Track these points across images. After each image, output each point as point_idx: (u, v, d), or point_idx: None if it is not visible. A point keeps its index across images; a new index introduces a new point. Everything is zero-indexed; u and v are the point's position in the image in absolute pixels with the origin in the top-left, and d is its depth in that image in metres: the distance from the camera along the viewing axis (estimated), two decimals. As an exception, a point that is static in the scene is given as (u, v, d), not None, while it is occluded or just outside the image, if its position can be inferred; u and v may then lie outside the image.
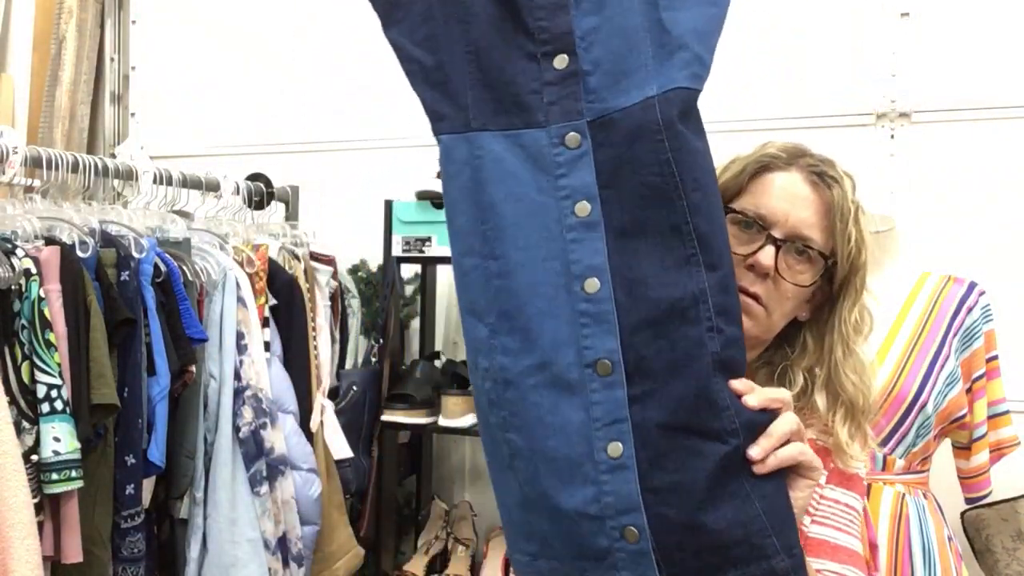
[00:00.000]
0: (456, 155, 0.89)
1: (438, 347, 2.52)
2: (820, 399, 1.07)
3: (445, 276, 2.53)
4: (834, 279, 1.06)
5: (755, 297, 1.03)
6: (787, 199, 1.05)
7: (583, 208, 0.85)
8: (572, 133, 0.86)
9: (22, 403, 1.48)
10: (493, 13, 0.88)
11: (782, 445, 0.87)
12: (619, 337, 0.84)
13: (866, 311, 1.08)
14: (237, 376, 1.83)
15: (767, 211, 1.05)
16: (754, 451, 0.85)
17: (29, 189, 1.78)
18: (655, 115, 0.84)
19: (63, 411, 1.48)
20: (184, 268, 1.79)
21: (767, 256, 1.02)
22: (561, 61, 0.86)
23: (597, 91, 0.86)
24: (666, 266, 0.84)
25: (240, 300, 1.87)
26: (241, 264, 1.94)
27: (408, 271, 2.44)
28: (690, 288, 0.84)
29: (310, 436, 2.01)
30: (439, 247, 2.22)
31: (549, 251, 0.85)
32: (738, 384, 0.86)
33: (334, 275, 2.28)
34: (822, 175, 1.05)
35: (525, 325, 0.85)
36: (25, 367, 1.49)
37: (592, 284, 0.84)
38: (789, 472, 0.88)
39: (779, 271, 1.03)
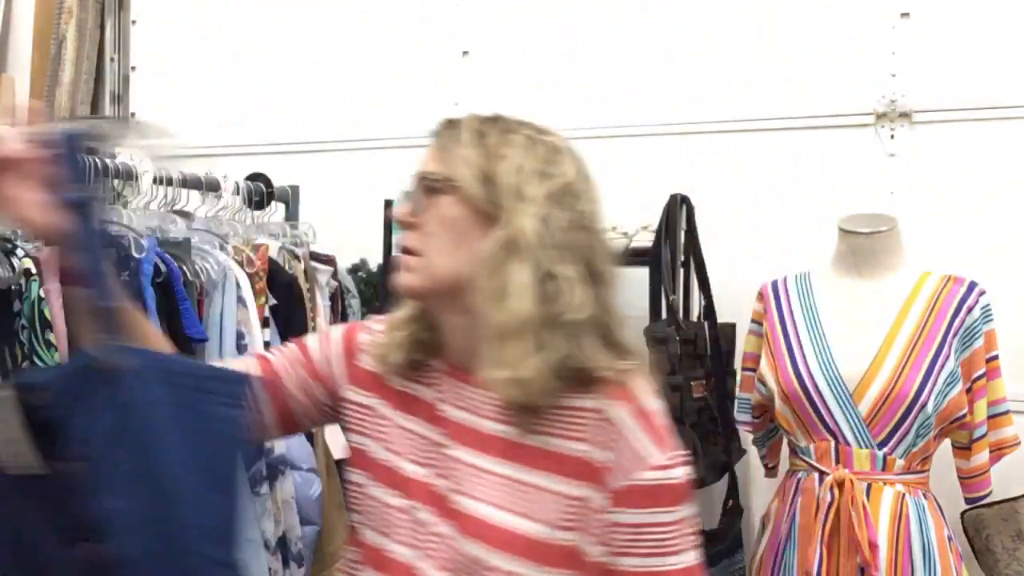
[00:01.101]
0: None
1: (438, 347, 2.52)
2: (459, 338, 1.04)
3: (445, 276, 2.53)
4: (482, 199, 0.99)
5: (407, 251, 1.02)
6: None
7: None
8: None
9: (22, 403, 1.48)
10: None
11: None
12: None
13: (524, 233, 0.96)
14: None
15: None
16: None
17: (29, 189, 1.77)
18: None
19: (63, 411, 1.48)
20: (184, 268, 1.79)
21: (398, 208, 1.04)
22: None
23: None
24: None
25: (240, 300, 1.87)
26: (241, 264, 1.94)
27: (408, 271, 2.44)
28: None
29: (310, 436, 2.01)
30: (439, 247, 2.21)
31: None
32: None
33: (334, 275, 2.28)
34: (439, 126, 1.05)
35: None
36: (25, 367, 1.49)
37: None
38: None
39: (415, 215, 1.01)
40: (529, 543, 0.96)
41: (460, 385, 1.04)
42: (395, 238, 1.06)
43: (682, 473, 0.97)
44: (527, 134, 1.02)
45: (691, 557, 0.97)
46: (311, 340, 1.19)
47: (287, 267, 2.09)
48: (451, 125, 1.04)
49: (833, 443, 1.72)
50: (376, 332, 1.14)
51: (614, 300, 1.02)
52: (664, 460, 0.95)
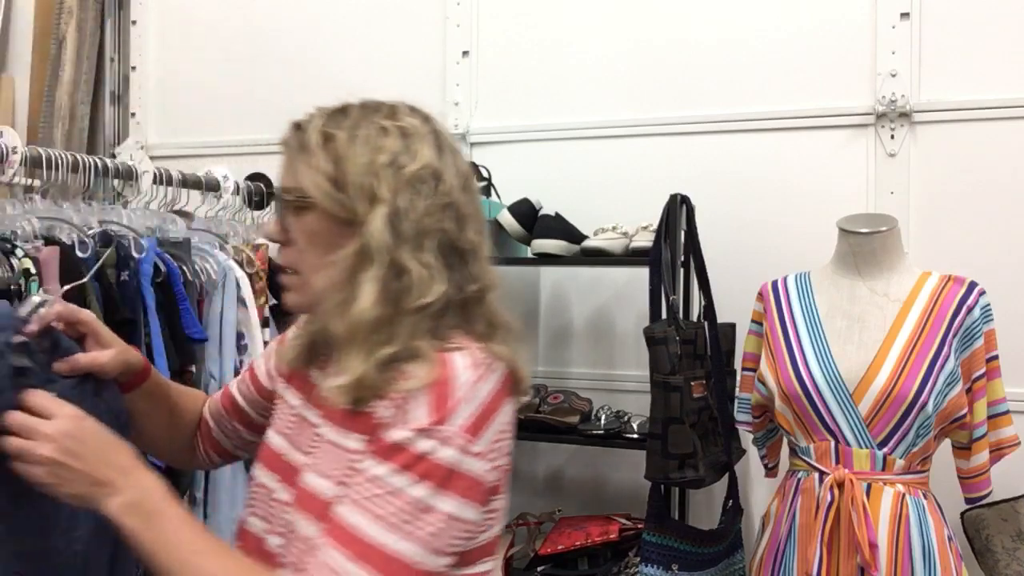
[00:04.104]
0: None
1: (438, 347, 2.52)
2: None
3: (445, 276, 2.53)
4: (337, 207, 0.97)
5: (285, 269, 1.02)
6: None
7: None
8: None
9: (22, 403, 1.48)
10: None
11: None
12: None
13: (375, 233, 0.94)
14: (237, 376, 1.83)
15: None
16: None
17: (29, 189, 1.78)
18: None
19: (63, 411, 1.48)
20: (184, 268, 1.79)
21: (268, 227, 1.04)
22: None
23: None
24: None
25: (240, 300, 1.88)
26: (241, 264, 1.94)
27: (408, 271, 2.44)
28: None
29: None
30: (439, 247, 2.21)
31: None
32: None
33: (334, 275, 2.28)
34: (288, 130, 1.03)
35: None
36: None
37: None
38: None
39: (287, 232, 1.01)
40: (316, 501, 0.95)
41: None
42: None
43: (440, 450, 0.88)
44: (378, 123, 0.98)
45: (399, 545, 0.86)
46: (259, 358, 1.25)
47: (287, 267, 2.09)
48: (298, 129, 1.01)
49: (833, 443, 1.72)
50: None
51: (483, 271, 1.00)
52: (424, 425, 0.88)
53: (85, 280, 1.57)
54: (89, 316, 1.09)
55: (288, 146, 1.01)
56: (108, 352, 1.08)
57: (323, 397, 0.99)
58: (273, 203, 1.07)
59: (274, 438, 1.08)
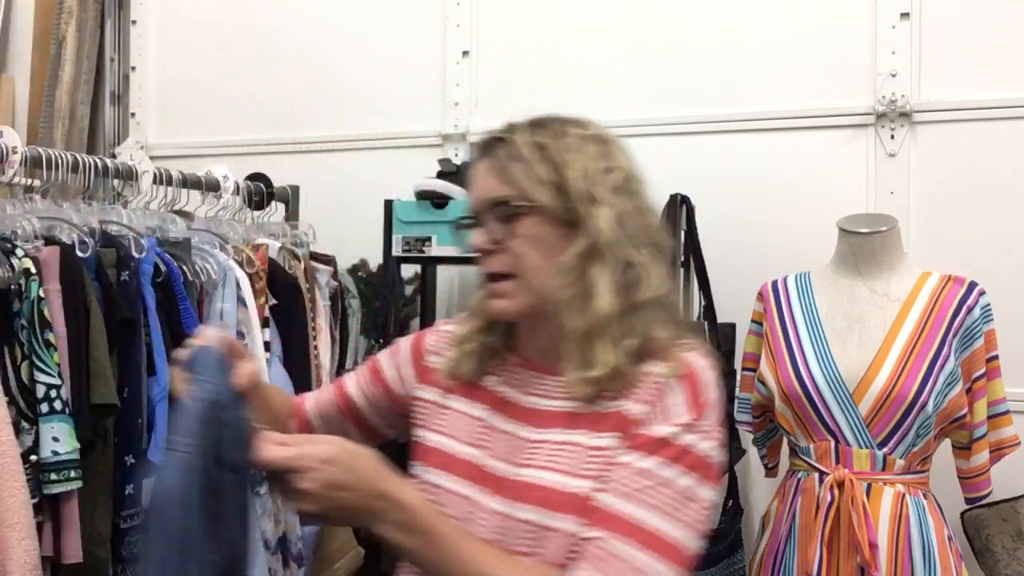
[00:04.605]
0: None
1: (438, 347, 2.52)
2: (561, 343, 1.04)
3: (445, 276, 2.53)
4: (561, 210, 1.03)
5: (500, 276, 1.05)
6: (472, 184, 1.09)
7: None
8: None
9: (21, 403, 1.48)
10: None
11: None
12: None
13: (602, 233, 1.01)
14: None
15: (469, 204, 1.10)
16: None
17: (29, 189, 1.78)
18: None
19: (62, 411, 1.48)
20: (184, 268, 1.79)
21: (476, 237, 1.06)
22: None
23: None
24: None
25: (240, 300, 1.87)
26: (241, 264, 1.94)
27: (408, 271, 2.44)
28: None
29: (310, 436, 2.00)
30: (439, 247, 2.21)
31: None
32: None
33: (334, 275, 2.28)
34: (488, 144, 1.07)
35: None
36: (24, 367, 1.49)
37: None
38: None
39: (495, 241, 1.04)
40: (566, 496, 0.99)
41: (534, 375, 1.10)
42: (478, 266, 1.09)
43: (701, 444, 0.97)
44: (576, 133, 1.05)
45: (675, 532, 0.94)
46: (383, 357, 1.27)
47: (287, 267, 2.10)
48: (503, 143, 1.06)
49: (833, 443, 1.72)
50: (443, 333, 1.21)
51: (672, 276, 1.10)
52: (685, 421, 0.97)
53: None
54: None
55: (495, 158, 1.06)
56: (252, 362, 1.05)
57: (540, 413, 1.05)
58: (465, 215, 1.08)
59: (456, 446, 1.10)
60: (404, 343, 1.25)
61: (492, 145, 1.07)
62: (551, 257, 1.02)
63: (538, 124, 1.06)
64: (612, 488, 0.96)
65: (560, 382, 1.05)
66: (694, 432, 0.97)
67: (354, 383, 1.27)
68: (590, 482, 0.98)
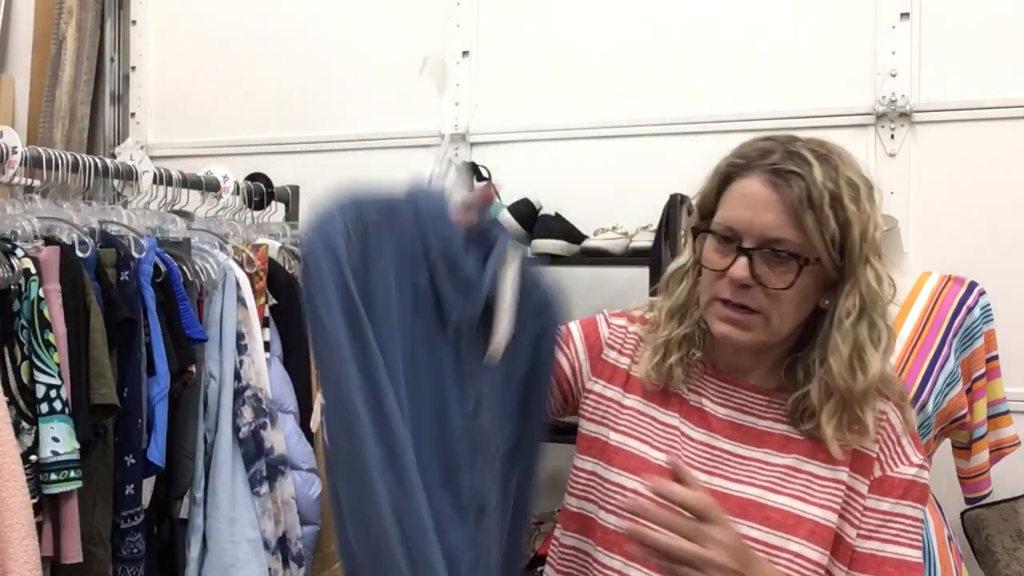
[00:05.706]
0: None
1: (438, 347, 2.52)
2: (814, 392, 1.05)
3: (445, 276, 2.53)
4: (832, 266, 1.04)
5: (745, 308, 1.04)
6: (749, 206, 1.04)
7: None
8: None
9: (21, 403, 1.48)
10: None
11: None
12: None
13: (870, 293, 1.04)
14: (237, 376, 1.83)
15: (733, 222, 1.05)
16: None
17: (29, 189, 1.78)
18: None
19: (62, 411, 1.49)
20: (184, 268, 1.79)
21: (739, 268, 1.03)
22: None
23: None
24: None
25: (240, 300, 1.87)
26: (241, 264, 1.94)
27: (408, 271, 2.44)
28: None
29: (310, 436, 2.01)
30: (439, 247, 2.21)
31: None
32: None
33: (334, 275, 2.28)
34: (780, 172, 1.02)
35: None
36: (24, 367, 1.49)
37: None
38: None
39: (758, 278, 1.02)
40: (799, 520, 1.04)
41: (727, 386, 1.13)
42: (718, 289, 1.08)
43: (928, 477, 1.09)
44: (854, 177, 1.03)
45: (917, 555, 1.06)
46: (563, 350, 1.25)
47: (287, 267, 2.10)
48: (797, 176, 1.01)
49: (833, 443, 1.71)
50: (619, 328, 1.22)
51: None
52: (919, 461, 1.08)
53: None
54: None
55: (787, 192, 1.01)
56: None
57: (744, 429, 1.10)
58: (717, 227, 1.08)
59: (650, 451, 1.11)
60: (575, 331, 1.23)
61: (786, 176, 1.01)
62: (802, 305, 1.05)
63: (823, 159, 1.02)
64: (874, 535, 1.06)
65: (758, 397, 1.10)
66: (924, 468, 1.08)
67: None
68: (833, 514, 1.05)
